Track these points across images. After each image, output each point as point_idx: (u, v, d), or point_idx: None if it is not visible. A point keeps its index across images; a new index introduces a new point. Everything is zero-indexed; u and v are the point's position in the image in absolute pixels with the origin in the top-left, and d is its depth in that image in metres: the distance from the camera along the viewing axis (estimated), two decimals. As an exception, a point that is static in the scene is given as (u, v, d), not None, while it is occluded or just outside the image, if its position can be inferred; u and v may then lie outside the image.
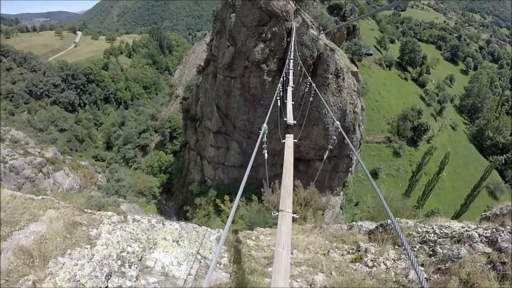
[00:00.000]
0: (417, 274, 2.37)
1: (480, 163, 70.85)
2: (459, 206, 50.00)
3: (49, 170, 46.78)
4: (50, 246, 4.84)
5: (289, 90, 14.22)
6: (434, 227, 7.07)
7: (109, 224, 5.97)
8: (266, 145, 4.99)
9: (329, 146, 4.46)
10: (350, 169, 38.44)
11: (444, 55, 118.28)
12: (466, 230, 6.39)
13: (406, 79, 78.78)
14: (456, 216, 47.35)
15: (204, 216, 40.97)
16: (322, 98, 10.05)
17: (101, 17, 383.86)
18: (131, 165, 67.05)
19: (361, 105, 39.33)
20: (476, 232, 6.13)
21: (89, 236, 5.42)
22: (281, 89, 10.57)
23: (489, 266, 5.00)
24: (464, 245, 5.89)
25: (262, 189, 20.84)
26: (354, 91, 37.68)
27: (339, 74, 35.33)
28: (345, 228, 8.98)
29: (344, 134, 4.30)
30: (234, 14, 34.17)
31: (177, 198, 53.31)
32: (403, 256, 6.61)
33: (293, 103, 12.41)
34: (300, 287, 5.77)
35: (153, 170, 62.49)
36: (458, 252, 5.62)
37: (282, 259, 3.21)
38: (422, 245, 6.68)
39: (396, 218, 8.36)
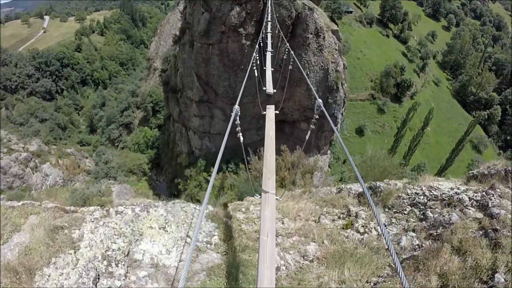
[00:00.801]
0: (386, 241, 2.13)
1: (463, 118, 72.27)
2: (444, 160, 51.38)
3: (36, 163, 46.43)
4: (35, 257, 4.78)
5: (268, 55, 13.38)
6: (424, 188, 7.00)
7: (92, 221, 5.77)
8: (240, 128, 4.46)
9: (311, 125, 4.08)
10: (336, 127, 38.70)
11: (426, 12, 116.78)
12: (456, 193, 6.32)
13: (387, 36, 78.02)
14: (442, 170, 48.86)
15: (195, 187, 41.15)
16: (303, 71, 9.49)
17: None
18: (118, 145, 66.19)
19: (343, 64, 39.01)
20: (466, 195, 6.07)
21: (72, 239, 5.29)
22: (257, 57, 9.84)
23: (481, 232, 4.91)
24: (455, 209, 5.80)
25: (248, 158, 20.44)
26: (335, 49, 37.24)
27: (319, 33, 34.73)
28: (334, 191, 8.87)
29: (326, 114, 3.88)
30: (205, -24, 32.54)
31: (167, 172, 53.27)
32: (394, 220, 6.50)
33: (272, 69, 11.67)
34: (293, 259, 5.64)
35: (140, 147, 61.94)
36: (449, 218, 5.53)
37: (266, 248, 3.00)
38: (412, 208, 6.60)
39: (385, 180, 8.34)
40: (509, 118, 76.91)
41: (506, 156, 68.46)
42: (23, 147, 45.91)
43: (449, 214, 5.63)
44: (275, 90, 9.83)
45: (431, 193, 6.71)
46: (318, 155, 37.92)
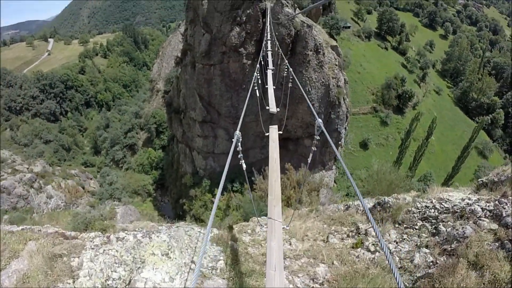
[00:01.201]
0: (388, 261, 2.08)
1: (466, 124, 71.78)
2: (451, 169, 50.82)
3: (40, 184, 46.73)
4: (33, 285, 4.67)
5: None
6: (434, 200, 6.82)
7: (92, 248, 5.64)
8: (242, 155, 4.27)
9: (312, 147, 4.00)
10: (339, 142, 38.58)
11: (422, 22, 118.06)
12: (468, 204, 6.16)
13: (386, 48, 78.68)
14: (449, 179, 48.22)
15: (201, 207, 40.93)
16: (302, 90, 9.56)
17: (71, 20, 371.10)
18: (122, 166, 66.34)
19: (344, 79, 39.25)
20: (478, 205, 5.91)
21: (71, 268, 5.15)
22: (258, 76, 9.64)
23: (497, 244, 4.76)
24: (468, 222, 5.63)
25: (253, 178, 20.08)
26: (336, 65, 37.54)
27: (319, 50, 35.12)
28: (342, 208, 8.71)
29: (326, 133, 3.81)
30: (206, 1, 33.49)
31: (172, 192, 53.20)
32: (405, 236, 6.29)
33: (274, 87, 11.43)
34: (302, 283, 5.45)
35: (144, 168, 61.96)
36: (463, 231, 5.36)
37: (274, 284, 2.80)
38: (424, 222, 6.40)
39: (393, 194, 8.18)
40: None
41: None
42: (28, 168, 46.38)
43: (463, 228, 5.46)
44: (278, 109, 9.58)
45: (442, 206, 6.52)
46: (323, 171, 37.73)
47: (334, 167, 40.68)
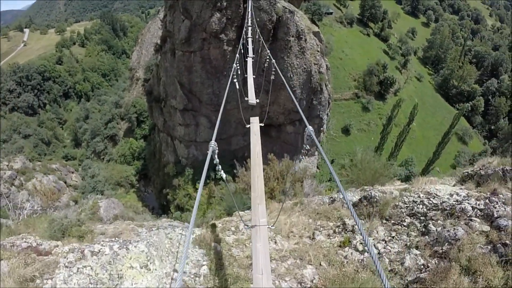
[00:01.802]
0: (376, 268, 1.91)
1: (447, 111, 73.52)
2: (432, 154, 52.14)
3: (21, 181, 45.63)
4: None
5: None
6: (421, 195, 6.66)
7: (66, 267, 5.25)
8: (219, 166, 3.69)
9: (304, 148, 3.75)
10: (321, 128, 38.66)
11: (405, 9, 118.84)
12: (457, 201, 6.03)
13: (368, 35, 79.03)
14: (429, 164, 49.42)
15: (184, 196, 40.66)
16: (284, 80, 9.25)
17: (47, 9, 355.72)
18: (103, 158, 65.00)
19: (326, 65, 39.15)
20: (468, 203, 5.80)
21: None
22: (238, 67, 9.20)
23: (489, 247, 4.64)
24: (459, 222, 5.50)
25: (235, 170, 19.66)
26: (318, 51, 37.28)
27: (301, 36, 34.70)
28: (327, 201, 8.48)
29: (317, 142, 3.45)
30: (185, -15, 32.27)
31: (155, 182, 52.65)
32: (394, 234, 6.10)
33: (254, 76, 10.99)
34: None
35: (126, 158, 60.97)
36: (455, 233, 5.22)
37: None
38: (412, 219, 6.22)
39: (380, 187, 8.00)
40: (492, 108, 78.71)
41: (491, 146, 70.41)
42: (7, 165, 45.50)
43: (454, 229, 5.33)
44: (257, 100, 9.09)
45: (430, 202, 6.38)
46: (306, 157, 37.84)
47: (316, 153, 40.88)
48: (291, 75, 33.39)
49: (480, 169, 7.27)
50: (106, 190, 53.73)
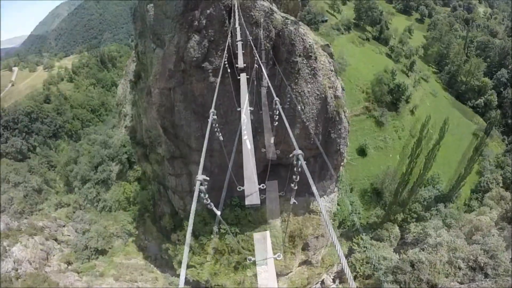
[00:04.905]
0: None
1: (460, 111, 69.58)
2: (456, 167, 46.50)
3: (5, 248, 41.73)
4: None
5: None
6: None
7: None
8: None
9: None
10: (342, 164, 31.97)
11: (397, 8, 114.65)
12: None
13: (368, 39, 73.72)
14: (459, 180, 43.50)
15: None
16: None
17: (38, 45, 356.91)
18: (97, 205, 59.17)
19: (341, 86, 32.34)
20: None
21: None
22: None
23: None
24: None
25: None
26: (331, 70, 30.14)
27: (310, 54, 27.60)
28: None
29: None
30: (151, 5, 26.19)
31: (153, 235, 47.11)
32: None
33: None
34: None
35: (121, 204, 55.70)
36: None
37: None
38: None
39: None
40: (506, 101, 73.96)
41: (510, 141, 64.76)
42: None
43: None
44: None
45: None
46: (325, 196, 31.55)
47: (336, 188, 34.45)
48: (303, 107, 26.80)
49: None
50: (100, 245, 49.50)
